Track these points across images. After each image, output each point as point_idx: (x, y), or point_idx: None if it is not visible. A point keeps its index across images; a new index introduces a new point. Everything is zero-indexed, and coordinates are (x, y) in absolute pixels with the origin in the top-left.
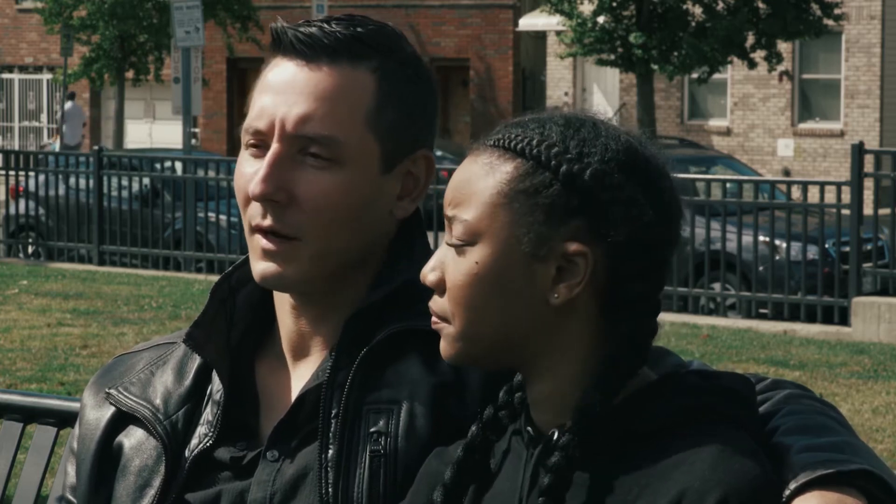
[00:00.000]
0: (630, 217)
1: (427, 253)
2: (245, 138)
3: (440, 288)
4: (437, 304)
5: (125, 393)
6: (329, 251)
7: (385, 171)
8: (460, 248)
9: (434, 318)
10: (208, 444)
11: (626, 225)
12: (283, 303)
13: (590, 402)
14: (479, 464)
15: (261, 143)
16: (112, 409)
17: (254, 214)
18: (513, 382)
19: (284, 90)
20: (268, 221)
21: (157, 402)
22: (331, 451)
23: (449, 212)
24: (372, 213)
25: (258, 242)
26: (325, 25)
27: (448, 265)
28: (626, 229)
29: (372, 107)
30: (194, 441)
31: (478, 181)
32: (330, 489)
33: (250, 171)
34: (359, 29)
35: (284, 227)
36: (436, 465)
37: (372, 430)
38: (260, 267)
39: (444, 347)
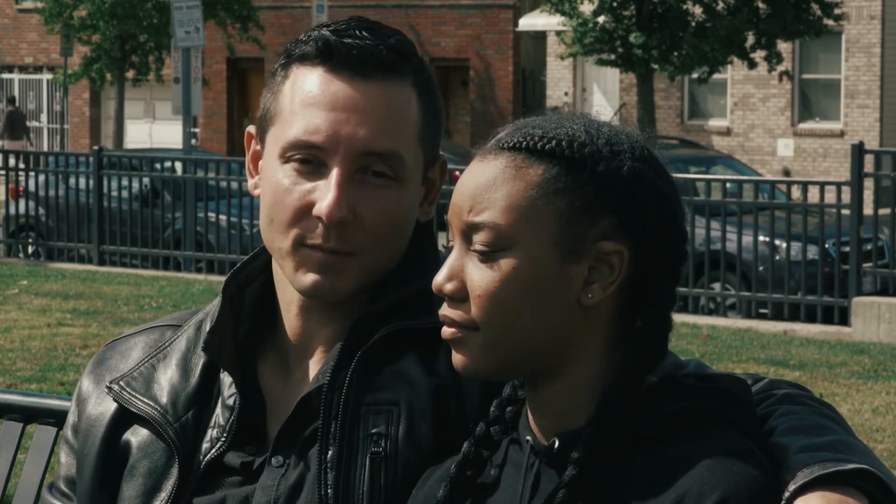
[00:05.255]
0: (663, 213)
1: (436, 256)
2: (287, 151)
3: (459, 297)
4: (456, 312)
5: (128, 389)
6: (379, 263)
7: (423, 181)
8: (490, 255)
9: (451, 329)
10: (221, 450)
11: (659, 221)
12: (289, 304)
13: (614, 395)
14: (472, 480)
15: (312, 159)
16: (115, 405)
17: (311, 232)
18: (503, 395)
19: (344, 107)
20: (332, 243)
21: (164, 401)
22: (330, 452)
23: (469, 218)
24: (413, 223)
25: (311, 257)
26: (366, 37)
27: (472, 273)
28: (660, 225)
29: (420, 122)
30: (206, 445)
31: (503, 185)
32: (329, 490)
33: (302, 189)
34: (392, 40)
35: (345, 245)
36: (429, 486)
37: (372, 431)
38: (310, 279)
39: (467, 356)
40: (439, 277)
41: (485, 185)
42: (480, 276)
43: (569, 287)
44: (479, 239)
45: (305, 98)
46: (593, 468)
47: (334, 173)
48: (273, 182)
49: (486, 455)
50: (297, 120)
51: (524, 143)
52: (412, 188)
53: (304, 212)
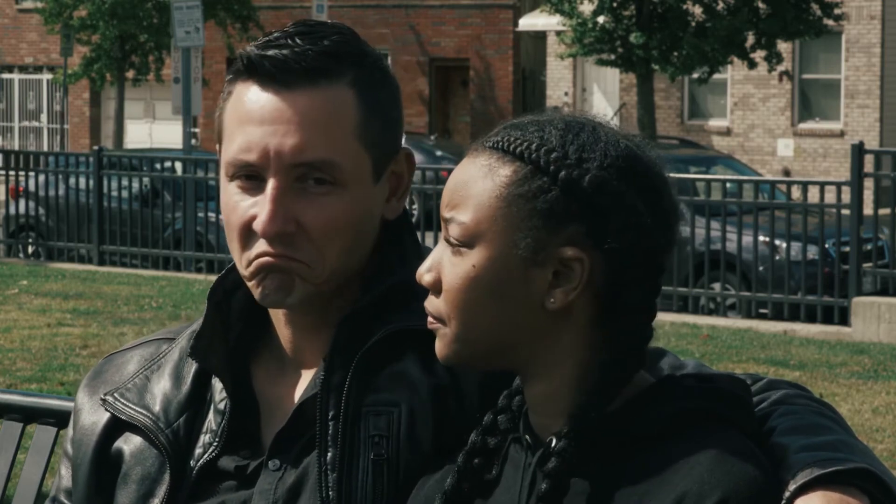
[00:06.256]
0: (629, 224)
1: (418, 250)
2: (230, 170)
3: (436, 288)
4: (432, 304)
5: (122, 400)
6: (334, 270)
7: (377, 180)
8: (457, 250)
9: (430, 319)
10: (214, 455)
11: (624, 231)
12: (276, 311)
13: (585, 407)
14: (480, 470)
15: (253, 175)
16: (108, 414)
17: (258, 247)
18: (512, 387)
19: (271, 120)
20: (277, 250)
21: (157, 409)
22: (330, 454)
23: (446, 213)
24: (370, 223)
25: (262, 265)
26: (295, 45)
27: (445, 266)
28: (625, 236)
29: (358, 121)
30: (198, 450)
31: (475, 183)
32: (331, 492)
33: (245, 205)
34: (326, 42)
35: (294, 254)
36: (429, 486)
37: (373, 433)
38: (267, 288)
39: (440, 348)
40: (422, 267)
41: (461, 181)
42: (449, 271)
43: (532, 290)
44: (451, 233)
45: (240, 115)
46: (566, 480)
47: (269, 187)
48: (223, 201)
49: (492, 444)
50: (235, 138)
51: (500, 143)
52: (359, 189)
53: (247, 227)
